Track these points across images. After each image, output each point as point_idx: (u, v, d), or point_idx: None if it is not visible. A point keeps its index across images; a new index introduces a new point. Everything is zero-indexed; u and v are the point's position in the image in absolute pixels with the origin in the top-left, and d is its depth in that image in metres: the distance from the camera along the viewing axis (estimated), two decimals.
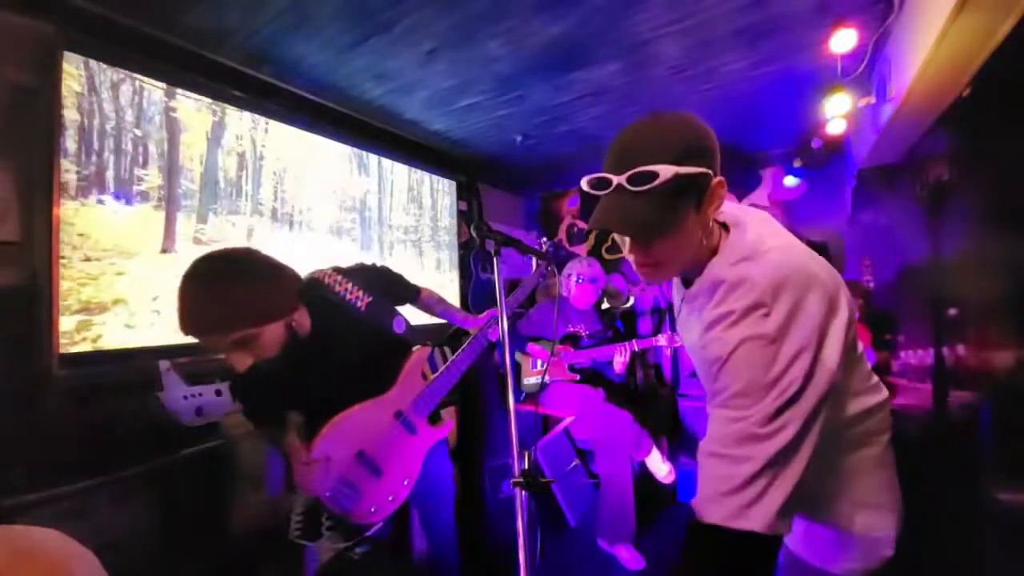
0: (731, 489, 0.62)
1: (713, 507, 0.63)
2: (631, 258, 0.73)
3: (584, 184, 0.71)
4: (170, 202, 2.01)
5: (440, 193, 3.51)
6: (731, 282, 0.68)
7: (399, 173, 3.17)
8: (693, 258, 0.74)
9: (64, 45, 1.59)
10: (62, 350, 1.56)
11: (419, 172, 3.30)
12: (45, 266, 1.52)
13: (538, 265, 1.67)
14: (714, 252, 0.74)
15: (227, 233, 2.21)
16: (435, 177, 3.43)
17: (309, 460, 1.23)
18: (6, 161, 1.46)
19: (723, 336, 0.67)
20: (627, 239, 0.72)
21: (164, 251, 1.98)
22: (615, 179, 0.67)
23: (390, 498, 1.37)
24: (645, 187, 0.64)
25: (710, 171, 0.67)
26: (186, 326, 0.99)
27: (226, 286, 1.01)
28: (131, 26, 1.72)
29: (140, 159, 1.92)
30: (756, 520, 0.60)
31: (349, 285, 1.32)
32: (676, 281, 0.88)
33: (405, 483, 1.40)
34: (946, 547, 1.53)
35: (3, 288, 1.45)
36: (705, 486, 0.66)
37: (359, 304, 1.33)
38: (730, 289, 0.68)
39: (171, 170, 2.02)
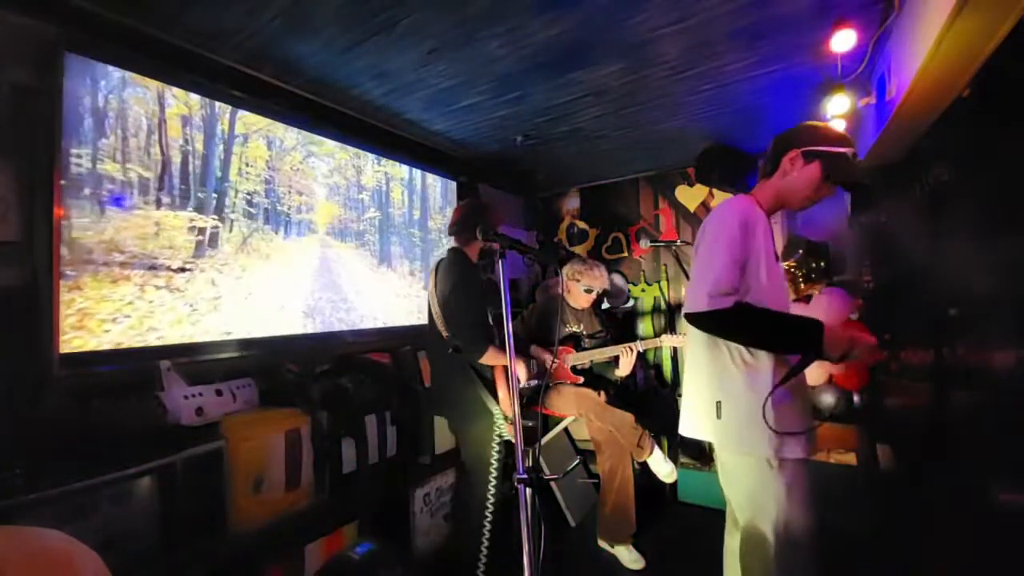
0: None
1: None
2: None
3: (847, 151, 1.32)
4: None
5: (439, 192, 3.51)
6: None
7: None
8: None
9: (65, 45, 1.59)
10: (62, 350, 1.56)
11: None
12: (45, 266, 1.51)
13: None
14: None
15: (182, 241, 1.76)
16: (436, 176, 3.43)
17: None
18: (6, 161, 1.46)
19: None
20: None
21: None
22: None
23: None
24: None
25: None
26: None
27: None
28: (131, 26, 1.71)
29: None
30: None
31: None
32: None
33: None
34: (946, 547, 1.53)
35: (3, 288, 1.45)
36: None
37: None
38: None
39: None
